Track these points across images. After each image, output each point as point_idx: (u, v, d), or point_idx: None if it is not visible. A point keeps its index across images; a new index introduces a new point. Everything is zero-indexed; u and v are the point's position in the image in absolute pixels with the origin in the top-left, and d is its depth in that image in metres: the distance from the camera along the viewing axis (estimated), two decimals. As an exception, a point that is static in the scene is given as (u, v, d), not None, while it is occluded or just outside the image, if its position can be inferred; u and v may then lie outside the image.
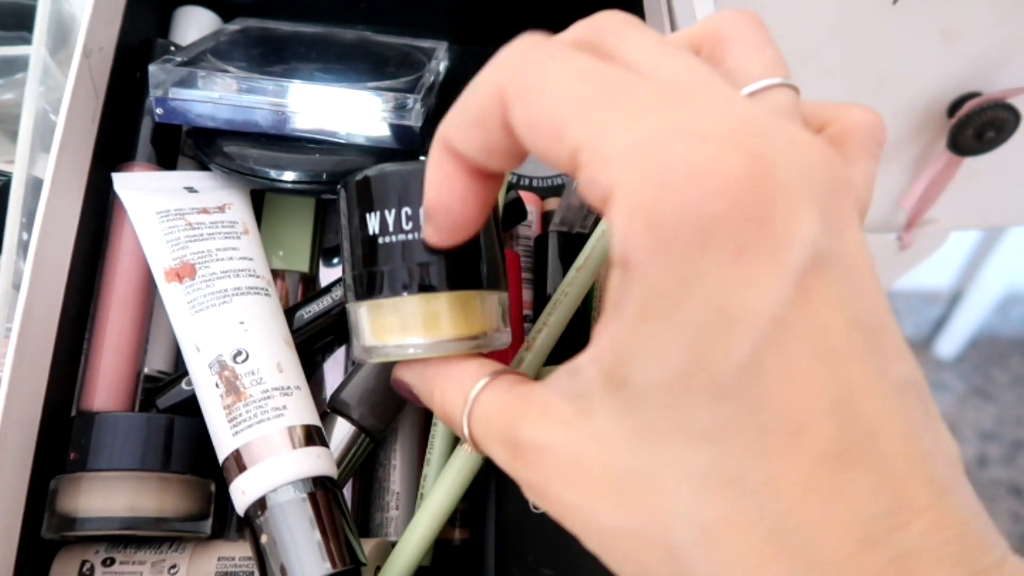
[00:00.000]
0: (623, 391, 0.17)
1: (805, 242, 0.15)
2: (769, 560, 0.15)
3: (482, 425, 0.21)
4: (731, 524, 0.15)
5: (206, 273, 0.33)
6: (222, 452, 0.29)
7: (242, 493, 0.28)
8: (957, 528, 0.15)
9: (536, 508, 0.30)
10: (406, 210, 0.23)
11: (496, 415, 0.20)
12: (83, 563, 0.32)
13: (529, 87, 0.17)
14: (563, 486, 0.18)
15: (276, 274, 0.39)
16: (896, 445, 0.15)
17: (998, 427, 1.37)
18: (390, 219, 0.23)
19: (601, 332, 0.18)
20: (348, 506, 0.29)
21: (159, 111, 0.36)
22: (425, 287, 0.23)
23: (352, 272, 0.24)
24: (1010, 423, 1.37)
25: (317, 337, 0.37)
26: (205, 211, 0.36)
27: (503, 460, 0.20)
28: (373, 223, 0.23)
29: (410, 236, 0.23)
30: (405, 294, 0.23)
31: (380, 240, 0.23)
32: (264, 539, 0.27)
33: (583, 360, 0.18)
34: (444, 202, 0.21)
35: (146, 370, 0.36)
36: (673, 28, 0.37)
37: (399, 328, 0.23)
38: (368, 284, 0.24)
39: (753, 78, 0.19)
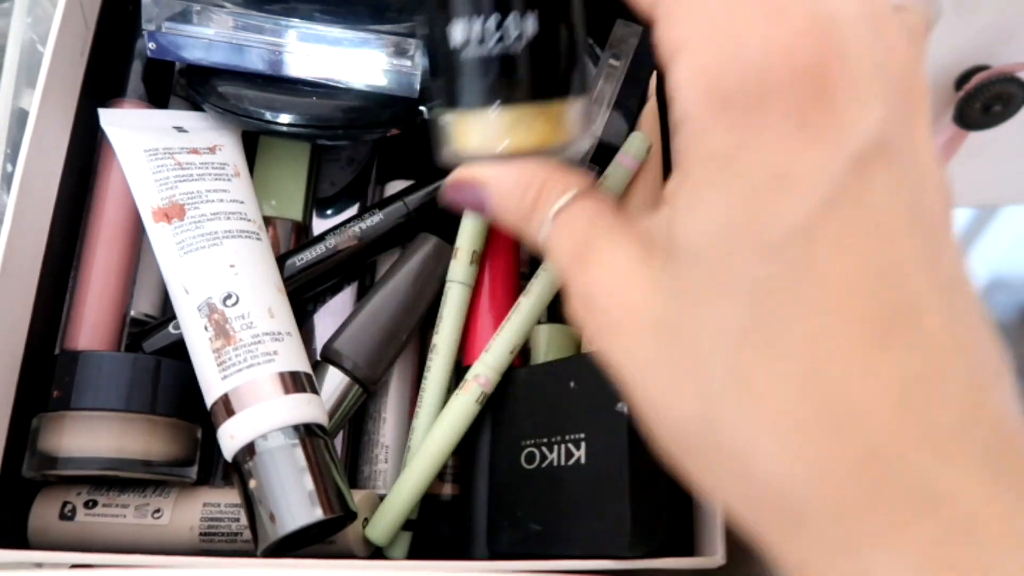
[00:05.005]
0: (677, 241, 0.17)
1: (868, 129, 0.15)
2: (801, 411, 0.15)
3: (558, 241, 0.21)
4: (767, 376, 0.15)
5: (195, 214, 0.32)
6: (210, 396, 0.28)
7: (230, 437, 0.27)
8: (990, 424, 0.15)
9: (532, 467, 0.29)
10: (485, 21, 0.22)
11: (573, 236, 0.20)
12: (64, 504, 0.31)
13: None
14: (611, 317, 0.18)
15: (268, 221, 0.38)
16: (939, 329, 0.15)
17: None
18: (471, 31, 0.22)
19: (667, 185, 0.19)
20: (339, 455, 0.28)
21: (151, 46, 0.35)
22: (509, 100, 0.22)
23: (436, 81, 0.24)
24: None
25: (308, 286, 0.36)
26: (195, 151, 0.35)
27: (567, 279, 0.20)
28: (455, 35, 0.23)
29: (493, 48, 0.22)
30: (489, 108, 0.23)
31: (462, 54, 0.23)
32: (252, 484, 0.26)
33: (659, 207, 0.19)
34: None
35: (132, 313, 0.35)
36: None
37: (485, 137, 0.23)
38: (451, 96, 0.23)
39: None
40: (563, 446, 0.27)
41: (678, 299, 0.17)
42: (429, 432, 0.32)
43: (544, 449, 0.28)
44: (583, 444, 0.27)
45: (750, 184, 0.16)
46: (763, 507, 0.16)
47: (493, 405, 0.31)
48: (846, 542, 0.15)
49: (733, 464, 0.16)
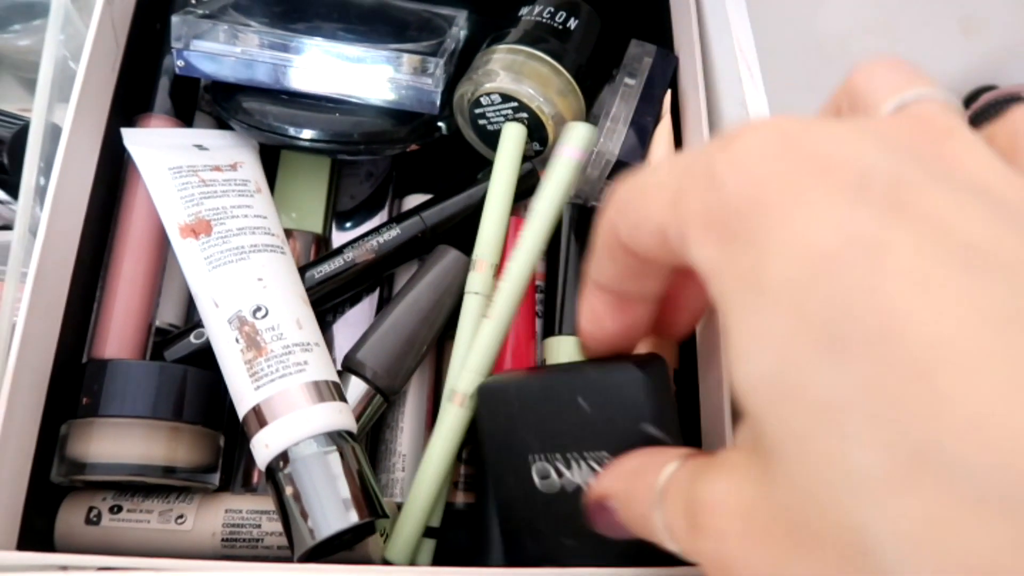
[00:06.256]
0: (749, 418, 0.15)
1: None
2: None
3: (672, 519, 0.18)
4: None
5: (222, 230, 0.33)
6: (242, 407, 0.29)
7: (265, 447, 0.28)
8: None
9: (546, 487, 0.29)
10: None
11: (680, 506, 0.18)
12: (90, 509, 0.32)
13: (622, 201, 0.19)
14: (738, 542, 0.16)
15: (288, 234, 0.39)
16: None
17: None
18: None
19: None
20: (368, 460, 0.29)
21: (179, 63, 0.36)
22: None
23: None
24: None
25: (328, 298, 0.37)
26: (218, 168, 0.36)
27: (694, 554, 0.17)
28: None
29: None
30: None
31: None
32: (288, 492, 0.27)
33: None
34: (594, 334, 0.23)
35: (157, 323, 0.36)
36: (700, 23, 0.37)
37: None
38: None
39: None
40: (583, 463, 0.27)
41: (773, 485, 0.15)
42: (428, 445, 0.33)
43: (560, 465, 0.27)
44: (607, 462, 0.27)
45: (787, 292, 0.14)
46: None
47: (483, 414, 0.30)
48: None
49: None
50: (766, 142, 0.15)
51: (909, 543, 0.12)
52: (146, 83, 0.38)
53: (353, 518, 0.27)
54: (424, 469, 0.32)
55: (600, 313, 0.23)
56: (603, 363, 0.26)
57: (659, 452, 0.21)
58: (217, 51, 0.36)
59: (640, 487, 0.20)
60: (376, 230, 0.37)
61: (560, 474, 0.27)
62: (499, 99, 0.37)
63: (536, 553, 0.28)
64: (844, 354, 0.12)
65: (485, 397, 0.28)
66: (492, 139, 0.38)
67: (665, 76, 0.37)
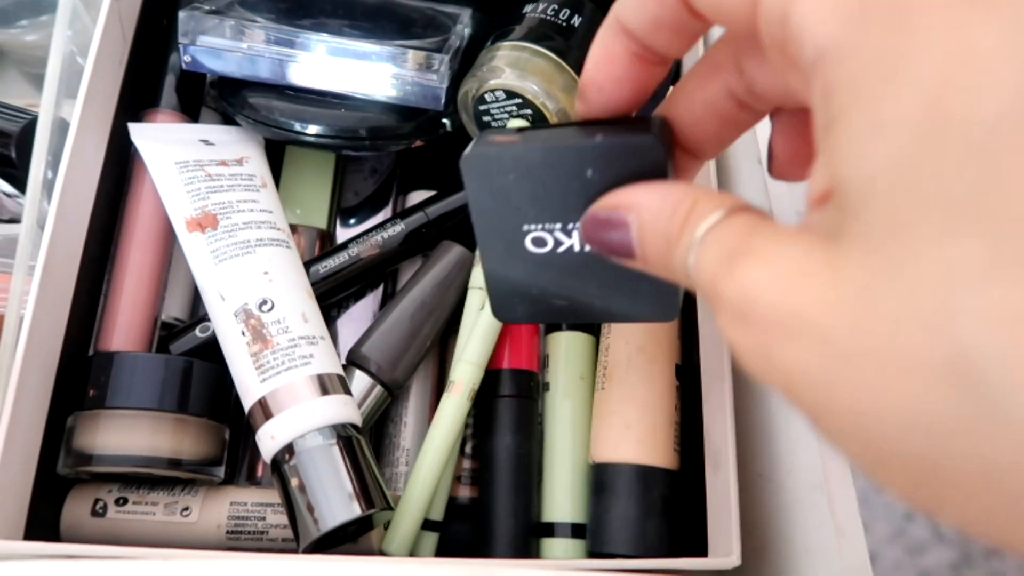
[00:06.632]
0: (851, 201, 0.14)
1: None
2: None
3: (705, 256, 0.17)
4: None
5: (228, 224, 0.34)
6: (248, 399, 0.29)
7: (271, 438, 0.28)
8: None
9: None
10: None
11: (726, 245, 0.17)
12: (96, 501, 0.32)
13: None
14: (783, 322, 0.15)
15: (293, 229, 0.39)
16: None
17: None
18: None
19: (814, 168, 0.16)
20: (372, 453, 0.29)
21: (186, 59, 0.36)
22: None
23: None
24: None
25: (332, 292, 0.37)
26: (224, 163, 0.36)
27: (716, 289, 0.16)
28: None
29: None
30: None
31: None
32: (294, 483, 0.27)
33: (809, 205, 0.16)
34: (598, 80, 0.21)
35: (162, 316, 0.36)
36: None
37: None
38: None
39: None
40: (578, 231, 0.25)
41: (872, 271, 0.13)
42: (427, 437, 0.33)
43: (559, 235, 0.25)
44: None
45: (923, 83, 0.13)
46: None
47: (472, 184, 0.26)
48: None
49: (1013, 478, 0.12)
50: None
51: (1000, 330, 0.12)
52: (153, 78, 0.38)
53: (358, 510, 0.27)
54: (422, 459, 0.32)
55: (616, 60, 0.20)
56: (613, 129, 0.23)
57: (706, 191, 0.19)
58: (223, 47, 0.36)
59: (680, 213, 0.18)
60: (380, 226, 0.38)
61: (559, 243, 0.25)
62: (503, 96, 0.37)
63: (527, 313, 0.27)
64: (973, 154, 0.12)
65: (474, 165, 0.25)
66: (496, 136, 0.38)
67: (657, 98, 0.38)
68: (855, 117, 0.14)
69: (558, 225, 0.25)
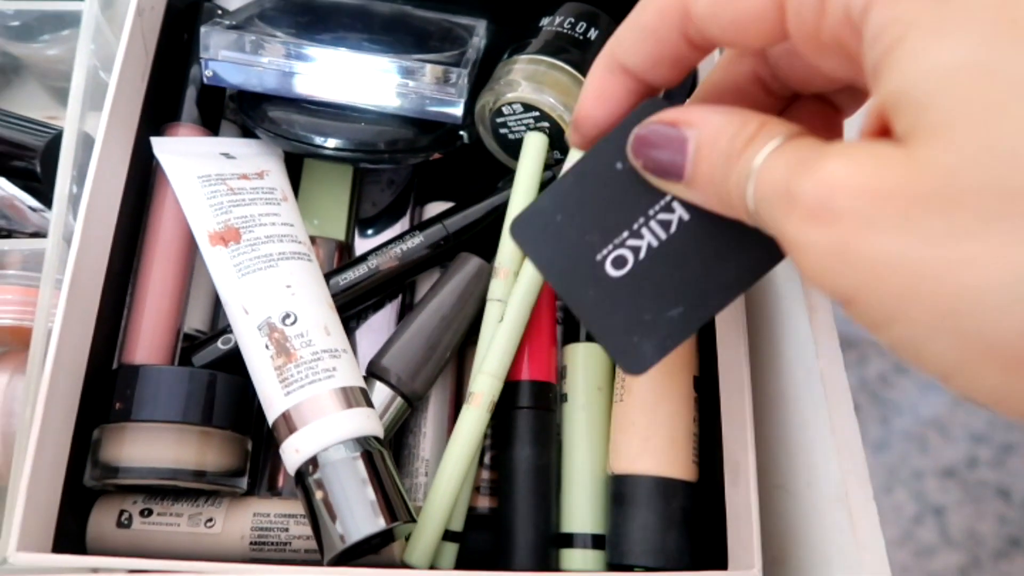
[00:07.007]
0: (922, 99, 0.14)
1: None
2: None
3: (769, 174, 0.17)
4: None
5: (250, 237, 0.34)
6: (272, 412, 0.30)
7: (295, 451, 0.28)
8: None
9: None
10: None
11: (793, 157, 0.17)
12: (121, 512, 0.33)
13: None
14: (864, 212, 0.14)
15: (312, 241, 0.40)
16: None
17: (989, 429, 1.38)
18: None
19: (867, 108, 0.16)
20: (395, 465, 0.30)
21: (208, 73, 0.37)
22: None
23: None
24: (1000, 426, 1.39)
25: (351, 304, 0.37)
26: (245, 177, 0.37)
27: (789, 194, 0.16)
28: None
29: None
30: None
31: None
32: (318, 496, 0.28)
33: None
34: (593, 115, 0.21)
35: (185, 328, 0.37)
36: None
37: None
38: None
39: None
40: (651, 223, 0.24)
41: (960, 154, 0.14)
42: (447, 448, 0.33)
43: (631, 242, 0.24)
44: (671, 201, 0.24)
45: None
46: None
47: (529, 250, 0.26)
48: None
49: None
50: None
51: None
52: (174, 93, 0.38)
53: (382, 523, 0.27)
54: (443, 471, 0.33)
55: (612, 97, 0.21)
56: (620, 124, 0.23)
57: (766, 117, 0.19)
58: (244, 61, 0.37)
59: (746, 132, 0.18)
60: (399, 237, 0.38)
61: (637, 250, 0.25)
62: (521, 108, 0.37)
63: (655, 348, 0.25)
64: None
65: (521, 232, 0.25)
66: (513, 148, 0.39)
67: (684, 84, 0.38)
68: (917, 32, 0.14)
69: (625, 234, 0.25)
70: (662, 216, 0.24)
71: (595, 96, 0.21)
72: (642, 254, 0.25)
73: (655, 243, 0.24)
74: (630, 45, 0.20)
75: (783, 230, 0.16)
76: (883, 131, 0.16)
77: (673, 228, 0.24)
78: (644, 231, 0.24)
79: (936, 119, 0.14)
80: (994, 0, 0.14)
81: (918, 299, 0.14)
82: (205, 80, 0.37)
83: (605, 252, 0.25)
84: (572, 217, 0.25)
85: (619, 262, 0.25)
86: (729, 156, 0.18)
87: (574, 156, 0.35)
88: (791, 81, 0.21)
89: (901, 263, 0.14)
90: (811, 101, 0.22)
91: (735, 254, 0.24)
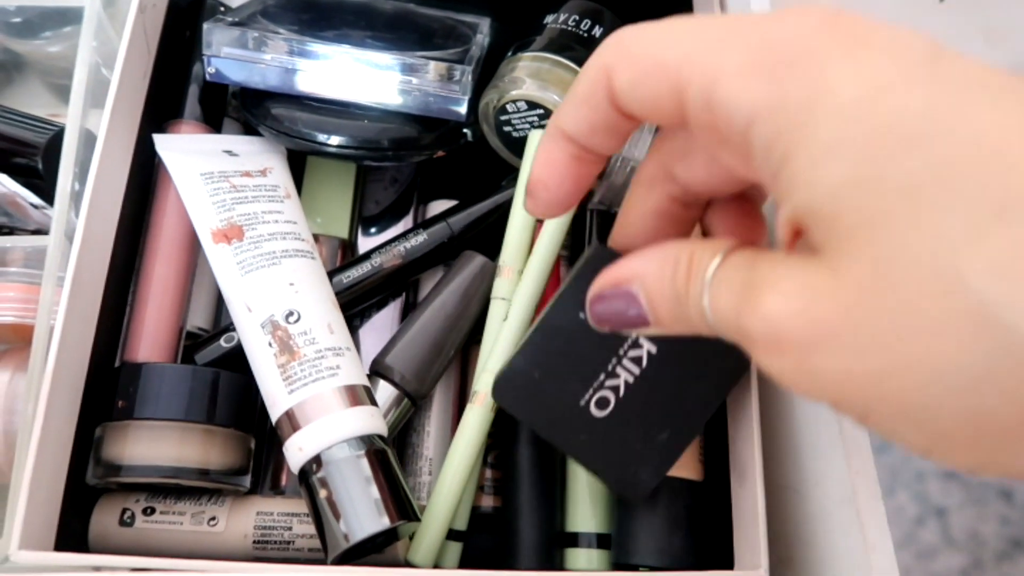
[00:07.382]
0: (825, 215, 0.16)
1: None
2: None
3: (718, 297, 0.18)
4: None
5: (253, 235, 0.34)
6: (276, 410, 0.29)
7: (299, 450, 0.28)
8: None
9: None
10: None
11: (736, 284, 0.18)
12: (124, 511, 0.32)
13: (629, 48, 0.19)
14: (810, 336, 0.16)
15: (314, 239, 0.39)
16: None
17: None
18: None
19: (777, 217, 0.18)
20: (400, 464, 0.29)
21: (210, 70, 0.36)
22: None
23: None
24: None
25: (355, 302, 0.37)
26: (247, 174, 0.37)
27: (741, 328, 0.18)
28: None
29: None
30: None
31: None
32: (322, 494, 0.27)
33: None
34: (543, 180, 0.22)
35: (187, 326, 0.37)
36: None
37: None
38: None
39: None
40: (623, 361, 0.26)
41: (873, 263, 0.15)
42: (451, 447, 0.33)
43: (609, 384, 0.26)
44: (638, 338, 0.26)
45: (846, 107, 0.15)
46: None
47: (514, 409, 0.29)
48: None
49: None
50: (812, 12, 0.17)
51: (1003, 271, 0.13)
52: (176, 90, 0.38)
53: (386, 521, 0.27)
54: (446, 470, 0.32)
55: (558, 163, 0.22)
56: (572, 274, 0.26)
57: (697, 240, 0.20)
58: (246, 58, 0.36)
59: (681, 269, 0.19)
60: (403, 235, 0.38)
61: (616, 389, 0.26)
62: (525, 106, 0.37)
63: (651, 474, 0.27)
64: (915, 147, 0.14)
65: (504, 395, 0.27)
66: (517, 146, 0.39)
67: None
68: (802, 153, 0.16)
69: (602, 376, 0.26)
70: (632, 353, 0.26)
71: (542, 163, 0.23)
72: (622, 392, 0.27)
73: (631, 379, 0.26)
74: (569, 114, 0.21)
75: (752, 355, 0.18)
76: (797, 235, 0.17)
77: (644, 362, 0.26)
78: (619, 370, 0.26)
79: (843, 231, 0.15)
80: (861, 111, 0.15)
81: (878, 401, 0.15)
82: (207, 77, 0.37)
83: (587, 397, 0.27)
84: (549, 372, 0.27)
85: (602, 403, 0.27)
86: (678, 296, 0.20)
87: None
88: (702, 193, 0.23)
89: (850, 377, 0.15)
90: (726, 201, 0.24)
91: (707, 370, 0.26)
